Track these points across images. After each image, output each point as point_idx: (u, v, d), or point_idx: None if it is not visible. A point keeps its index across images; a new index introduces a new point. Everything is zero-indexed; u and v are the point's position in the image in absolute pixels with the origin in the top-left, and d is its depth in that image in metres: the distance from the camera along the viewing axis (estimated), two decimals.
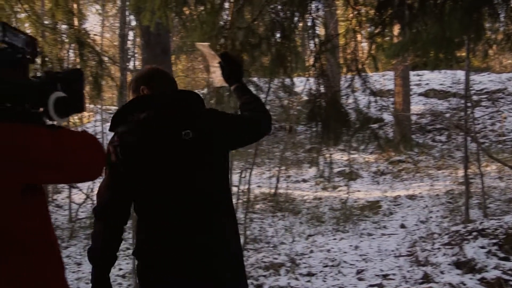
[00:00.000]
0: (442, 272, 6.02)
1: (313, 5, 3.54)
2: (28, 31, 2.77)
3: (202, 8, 3.51)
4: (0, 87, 1.75)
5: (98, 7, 22.04)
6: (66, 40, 3.01)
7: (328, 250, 7.56)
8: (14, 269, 1.71)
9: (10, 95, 1.77)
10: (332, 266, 6.85)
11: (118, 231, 2.48)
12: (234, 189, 8.98)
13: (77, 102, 1.96)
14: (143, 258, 2.47)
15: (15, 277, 1.71)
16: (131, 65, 13.51)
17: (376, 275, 6.35)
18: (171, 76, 2.72)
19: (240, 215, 8.61)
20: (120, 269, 7.53)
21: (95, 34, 23.71)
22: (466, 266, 5.99)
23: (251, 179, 8.63)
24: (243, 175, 8.88)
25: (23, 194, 1.75)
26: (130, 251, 7.59)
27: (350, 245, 7.73)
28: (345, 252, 7.42)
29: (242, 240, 7.19)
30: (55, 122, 1.91)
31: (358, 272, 6.54)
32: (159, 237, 2.42)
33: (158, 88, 2.56)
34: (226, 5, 3.88)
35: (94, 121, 20.18)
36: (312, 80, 3.77)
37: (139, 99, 2.53)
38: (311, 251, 7.55)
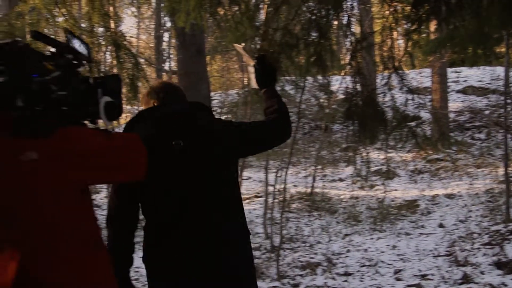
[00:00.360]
0: (482, 273, 5.91)
1: (348, 3, 3.51)
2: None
3: (236, 8, 3.51)
4: (61, 92, 1.82)
5: (133, 9, 22.33)
6: (103, 43, 3.04)
7: (365, 250, 7.50)
8: (85, 265, 1.82)
9: (68, 100, 1.83)
10: (369, 265, 6.80)
11: (126, 234, 2.56)
12: (270, 188, 8.97)
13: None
14: (146, 260, 2.55)
15: (88, 272, 1.83)
16: (166, 66, 13.62)
17: (414, 275, 6.27)
18: (180, 90, 2.79)
19: (276, 214, 8.61)
20: None
21: (131, 36, 24.05)
22: (507, 266, 5.88)
23: (287, 178, 8.60)
24: (278, 174, 8.86)
25: (82, 195, 1.85)
26: None
27: (388, 245, 7.65)
28: (382, 252, 7.35)
29: (278, 239, 7.21)
30: (97, 125, 2.00)
31: (396, 272, 6.47)
32: (159, 239, 2.50)
33: (165, 101, 2.64)
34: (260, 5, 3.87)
35: None
36: (348, 78, 3.74)
37: (142, 112, 2.62)
38: (348, 251, 7.50)
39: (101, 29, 3.22)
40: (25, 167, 1.70)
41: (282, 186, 8.39)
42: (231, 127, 2.67)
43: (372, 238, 8.16)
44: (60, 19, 2.89)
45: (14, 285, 1.68)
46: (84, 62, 1.99)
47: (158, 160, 2.39)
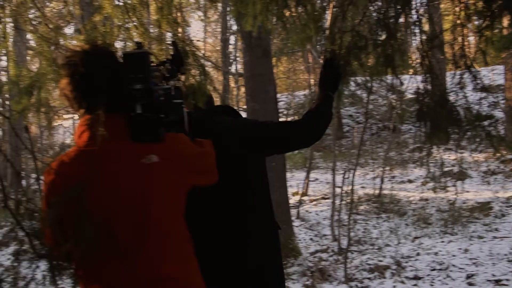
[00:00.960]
0: None
1: (417, 0, 3.44)
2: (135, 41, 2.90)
3: (302, 9, 3.49)
4: (177, 100, 2.02)
5: (200, 13, 22.64)
6: (171, 49, 3.10)
7: (436, 253, 7.32)
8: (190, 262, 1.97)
9: (166, 107, 1.98)
10: (440, 269, 6.63)
11: None
12: (337, 190, 8.92)
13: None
14: None
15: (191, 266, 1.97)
16: (233, 68, 13.76)
17: (488, 280, 6.07)
18: (207, 93, 2.81)
19: (343, 216, 8.54)
20: None
21: (198, 40, 24.45)
22: None
23: (355, 180, 8.52)
24: (346, 176, 8.78)
25: (185, 195, 1.98)
26: None
27: (459, 248, 7.43)
28: (453, 256, 7.15)
29: (345, 242, 7.15)
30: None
31: (468, 276, 6.28)
32: None
33: (190, 106, 2.69)
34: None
35: None
36: (418, 78, 3.66)
37: None
38: (418, 254, 7.35)
39: (169, 35, 3.26)
40: (147, 169, 1.83)
41: (350, 187, 8.32)
42: (239, 127, 2.59)
43: (443, 241, 7.95)
44: (130, 25, 2.96)
45: (146, 281, 1.81)
46: (181, 72, 2.09)
47: None
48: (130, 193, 1.81)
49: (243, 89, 10.10)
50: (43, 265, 2.53)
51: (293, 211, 9.35)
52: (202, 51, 23.54)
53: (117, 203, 1.79)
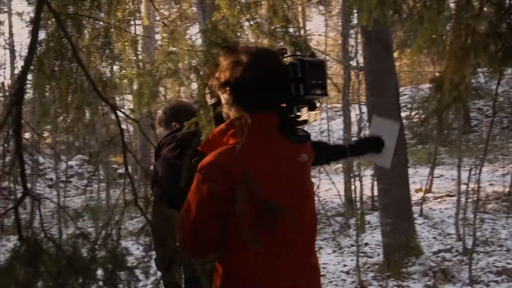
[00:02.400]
0: None
1: None
2: (250, 39, 2.96)
3: (421, 3, 3.38)
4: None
5: (321, 8, 22.58)
6: (282, 45, 3.12)
7: None
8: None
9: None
10: None
11: None
12: (463, 187, 8.55)
13: None
14: None
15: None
16: (354, 62, 13.58)
17: None
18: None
19: (469, 215, 8.19)
20: (344, 265, 7.64)
21: (319, 34, 24.37)
22: None
23: (482, 177, 8.11)
24: (473, 172, 8.39)
25: None
26: (354, 248, 7.66)
27: None
28: None
29: (471, 242, 6.84)
30: None
31: None
32: None
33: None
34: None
35: (320, 119, 20.77)
36: None
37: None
38: None
39: (285, 32, 3.28)
40: (303, 167, 2.01)
41: (476, 184, 7.94)
42: None
43: None
44: (246, 24, 3.02)
45: (301, 268, 1.99)
46: None
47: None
48: (293, 189, 1.95)
49: (364, 84, 9.95)
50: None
51: (416, 208, 9.09)
52: (323, 46, 23.50)
53: (279, 198, 1.88)
